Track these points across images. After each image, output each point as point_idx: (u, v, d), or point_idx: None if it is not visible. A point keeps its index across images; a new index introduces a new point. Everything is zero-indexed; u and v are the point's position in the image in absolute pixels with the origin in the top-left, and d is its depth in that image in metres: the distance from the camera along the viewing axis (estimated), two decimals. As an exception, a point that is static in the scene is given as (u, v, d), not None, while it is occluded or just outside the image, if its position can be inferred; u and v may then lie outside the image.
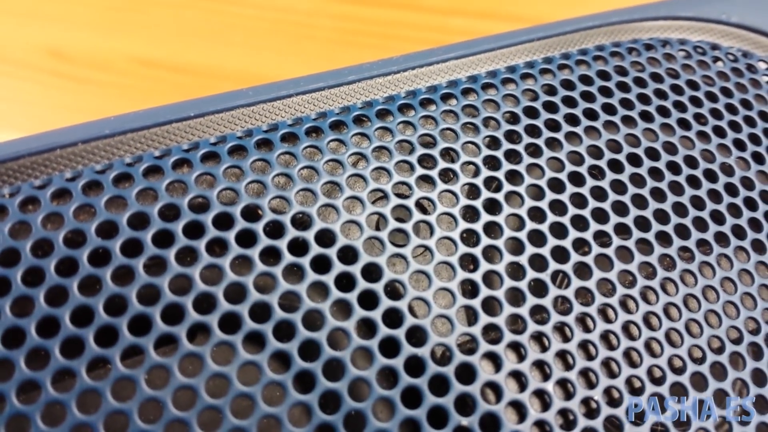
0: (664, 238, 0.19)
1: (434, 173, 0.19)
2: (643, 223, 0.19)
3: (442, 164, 0.19)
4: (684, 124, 0.22)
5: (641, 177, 0.20)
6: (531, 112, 0.20)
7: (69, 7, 0.45)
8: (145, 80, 0.43)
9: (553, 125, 0.20)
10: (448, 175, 0.19)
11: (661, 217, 0.20)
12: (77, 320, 0.15)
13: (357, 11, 0.46)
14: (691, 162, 0.21)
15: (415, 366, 0.16)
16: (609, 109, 0.21)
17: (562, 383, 0.17)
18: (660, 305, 0.18)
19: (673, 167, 0.21)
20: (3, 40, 0.45)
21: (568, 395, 0.17)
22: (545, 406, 0.16)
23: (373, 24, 0.46)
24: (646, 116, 0.21)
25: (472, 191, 0.19)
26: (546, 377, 0.17)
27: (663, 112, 0.22)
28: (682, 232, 0.20)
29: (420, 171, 0.18)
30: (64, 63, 0.44)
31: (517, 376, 0.17)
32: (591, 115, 0.21)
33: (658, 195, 0.20)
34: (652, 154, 0.21)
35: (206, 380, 0.15)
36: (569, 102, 0.21)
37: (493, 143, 0.20)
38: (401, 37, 0.46)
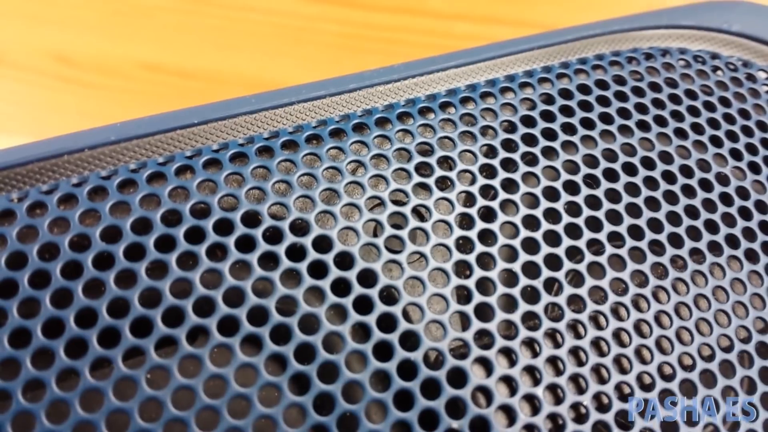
0: (657, 247, 0.20)
1: (431, 181, 0.19)
2: (636, 232, 0.20)
3: (439, 172, 0.19)
4: (681, 133, 0.22)
5: (636, 186, 0.20)
6: (528, 121, 0.21)
7: (75, 11, 0.46)
8: (150, 85, 0.44)
9: (549, 134, 0.21)
10: (445, 183, 0.19)
11: (655, 226, 0.20)
12: (81, 322, 0.15)
13: (361, 16, 0.46)
14: (687, 171, 0.21)
15: (408, 370, 0.16)
16: (606, 118, 0.21)
17: (552, 388, 0.17)
18: (651, 313, 0.19)
19: (669, 176, 0.21)
20: (9, 44, 0.45)
21: (558, 400, 0.17)
22: (535, 410, 0.17)
23: (377, 29, 0.47)
24: (643, 125, 0.22)
25: (468, 199, 0.19)
26: (536, 382, 0.17)
27: (660, 121, 0.22)
28: (676, 241, 0.20)
29: (417, 179, 0.19)
30: (71, 67, 0.44)
31: (508, 381, 0.17)
32: (588, 124, 0.21)
33: (653, 204, 0.20)
34: (648, 163, 0.21)
35: (205, 381, 0.15)
36: (566, 111, 0.21)
37: (490, 152, 0.20)
38: (405, 42, 0.46)
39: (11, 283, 0.15)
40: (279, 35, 0.46)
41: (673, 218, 0.20)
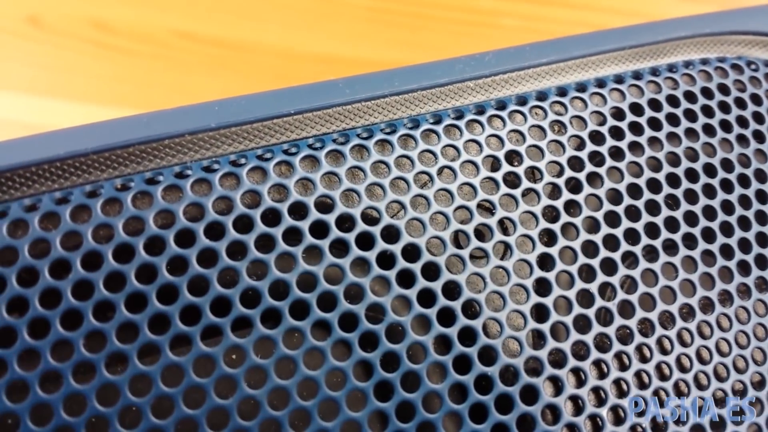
0: (741, 267, 0.20)
1: (517, 193, 0.19)
2: (710, 258, 0.20)
3: (526, 184, 0.19)
4: (762, 155, 0.22)
5: (713, 210, 0.21)
6: (616, 133, 0.21)
7: (113, -21, 0.46)
8: (184, 53, 0.45)
9: (636, 148, 0.21)
10: (530, 196, 0.19)
11: (727, 252, 0.20)
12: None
13: (389, -9, 0.47)
14: (761, 197, 0.21)
15: (484, 384, 0.17)
16: (692, 133, 0.21)
17: (615, 409, 0.18)
18: (713, 340, 0.19)
19: (761, 196, 0.21)
20: (48, 9, 0.46)
21: (619, 421, 0.18)
22: (597, 430, 0.18)
23: (404, 3, 0.48)
24: (728, 143, 0.22)
25: (552, 214, 0.19)
26: (601, 402, 0.18)
27: (742, 140, 0.22)
28: (745, 267, 0.21)
29: (504, 189, 0.19)
30: (108, 34, 0.45)
31: (575, 400, 0.18)
32: (673, 139, 0.21)
33: (726, 228, 0.21)
34: (744, 180, 0.21)
35: (299, 382, 0.16)
36: (654, 124, 0.21)
37: (577, 164, 0.20)
38: (430, 16, 0.48)
39: (119, 277, 0.16)
40: (309, 8, 0.47)
41: (762, 240, 0.21)
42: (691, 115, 0.22)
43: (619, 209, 0.20)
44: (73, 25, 0.45)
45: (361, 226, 0.18)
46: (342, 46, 0.45)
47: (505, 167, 0.19)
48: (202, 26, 0.46)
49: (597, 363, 0.18)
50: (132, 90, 0.43)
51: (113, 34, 0.45)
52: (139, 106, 0.42)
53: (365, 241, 0.18)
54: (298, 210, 0.17)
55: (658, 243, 0.20)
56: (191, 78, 0.43)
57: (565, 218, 0.19)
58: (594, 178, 0.20)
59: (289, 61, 0.44)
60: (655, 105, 0.22)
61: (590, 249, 0.19)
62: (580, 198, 0.20)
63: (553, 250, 0.19)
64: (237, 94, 0.19)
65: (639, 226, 0.20)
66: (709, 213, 0.21)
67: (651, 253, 0.20)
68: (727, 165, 0.21)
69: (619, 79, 0.22)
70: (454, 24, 0.46)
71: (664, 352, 0.19)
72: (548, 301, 0.18)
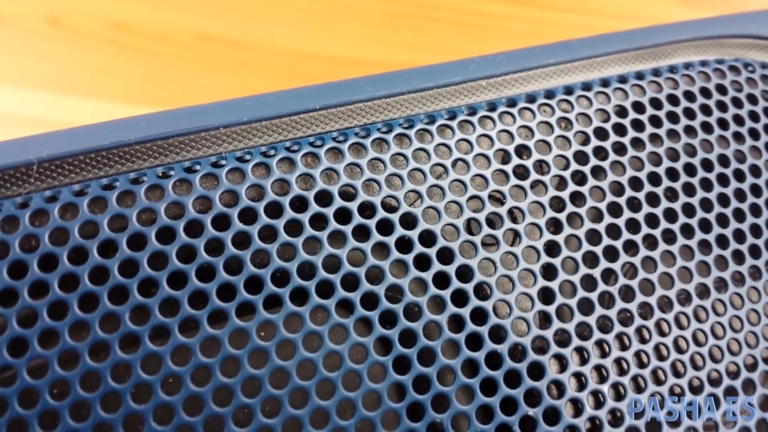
0: (736, 257, 0.22)
1: (526, 184, 0.21)
2: (706, 248, 0.21)
3: (534, 176, 0.21)
4: (756, 151, 0.23)
5: (710, 202, 0.22)
6: (619, 129, 0.22)
7: (133, -19, 0.48)
8: (200, 53, 0.47)
9: (637, 143, 0.22)
10: (538, 187, 0.21)
11: (722, 242, 0.22)
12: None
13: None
14: (756, 191, 0.23)
15: (494, 360, 0.19)
16: (690, 131, 0.23)
17: (615, 386, 0.19)
18: (708, 324, 0.21)
19: (756, 190, 0.23)
20: (71, 11, 0.48)
21: (620, 397, 0.19)
22: (599, 404, 0.19)
23: (414, 6, 0.50)
24: (724, 140, 0.23)
25: (559, 204, 0.21)
26: (603, 379, 0.19)
27: (738, 137, 0.23)
28: (739, 256, 0.22)
29: (514, 181, 0.20)
30: (126, 34, 0.47)
31: (579, 377, 0.19)
32: (673, 135, 0.23)
33: (722, 219, 0.22)
34: (739, 175, 0.22)
35: (324, 356, 0.17)
36: (655, 122, 0.23)
37: (582, 158, 0.21)
38: (439, 19, 0.50)
39: (162, 256, 0.17)
40: (322, 11, 0.49)
41: (756, 231, 0.22)
42: (690, 114, 0.23)
43: (622, 201, 0.21)
44: (93, 25, 0.47)
45: (381, 214, 0.19)
46: (352, 48, 0.47)
47: (515, 160, 0.21)
48: (218, 27, 0.48)
49: (599, 343, 0.20)
50: (149, 88, 0.45)
51: (131, 35, 0.47)
52: (156, 104, 0.44)
53: (385, 228, 0.19)
54: (324, 198, 0.19)
55: (657, 233, 0.21)
56: (206, 77, 0.45)
57: (570, 208, 0.21)
58: (598, 172, 0.21)
59: (300, 62, 0.46)
60: (656, 103, 0.23)
61: (594, 237, 0.21)
62: (584, 190, 0.21)
63: (560, 238, 0.20)
64: (250, 93, 0.21)
65: (640, 216, 0.21)
66: (706, 205, 0.22)
67: (651, 242, 0.21)
68: (723, 160, 0.23)
69: (623, 79, 0.23)
70: (463, 27, 0.48)
71: (662, 334, 0.20)
72: (554, 285, 0.20)
